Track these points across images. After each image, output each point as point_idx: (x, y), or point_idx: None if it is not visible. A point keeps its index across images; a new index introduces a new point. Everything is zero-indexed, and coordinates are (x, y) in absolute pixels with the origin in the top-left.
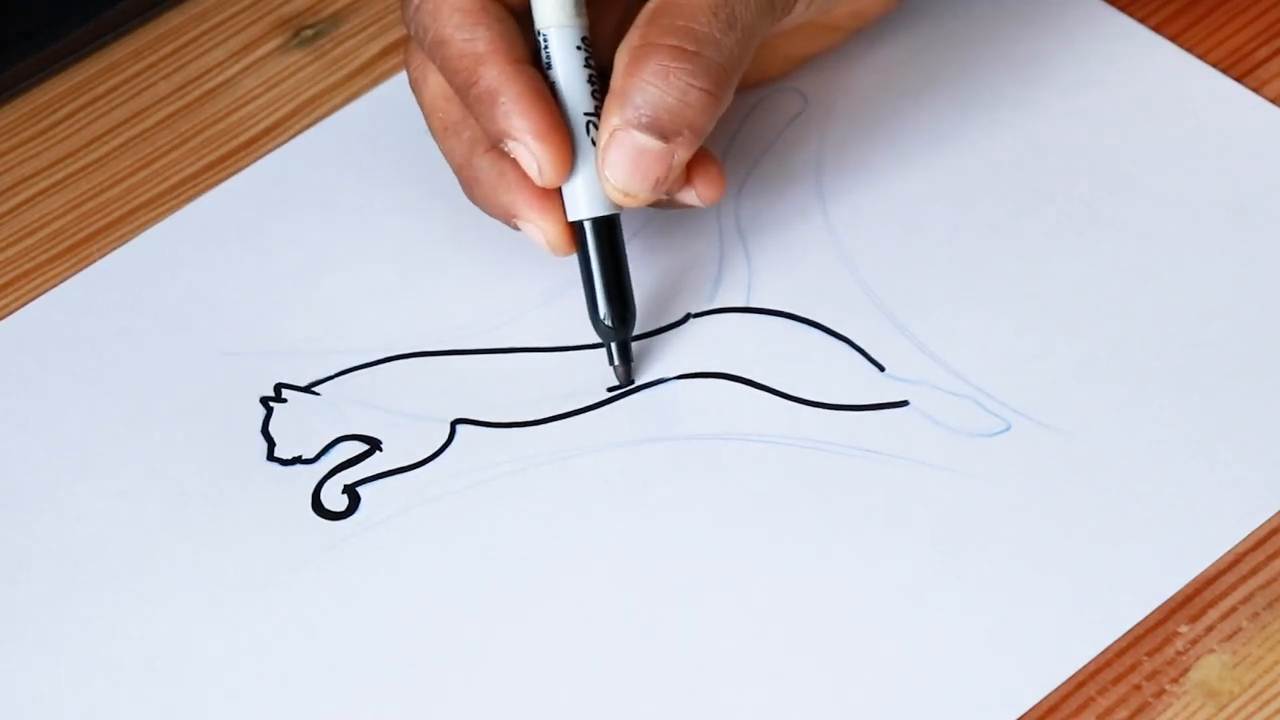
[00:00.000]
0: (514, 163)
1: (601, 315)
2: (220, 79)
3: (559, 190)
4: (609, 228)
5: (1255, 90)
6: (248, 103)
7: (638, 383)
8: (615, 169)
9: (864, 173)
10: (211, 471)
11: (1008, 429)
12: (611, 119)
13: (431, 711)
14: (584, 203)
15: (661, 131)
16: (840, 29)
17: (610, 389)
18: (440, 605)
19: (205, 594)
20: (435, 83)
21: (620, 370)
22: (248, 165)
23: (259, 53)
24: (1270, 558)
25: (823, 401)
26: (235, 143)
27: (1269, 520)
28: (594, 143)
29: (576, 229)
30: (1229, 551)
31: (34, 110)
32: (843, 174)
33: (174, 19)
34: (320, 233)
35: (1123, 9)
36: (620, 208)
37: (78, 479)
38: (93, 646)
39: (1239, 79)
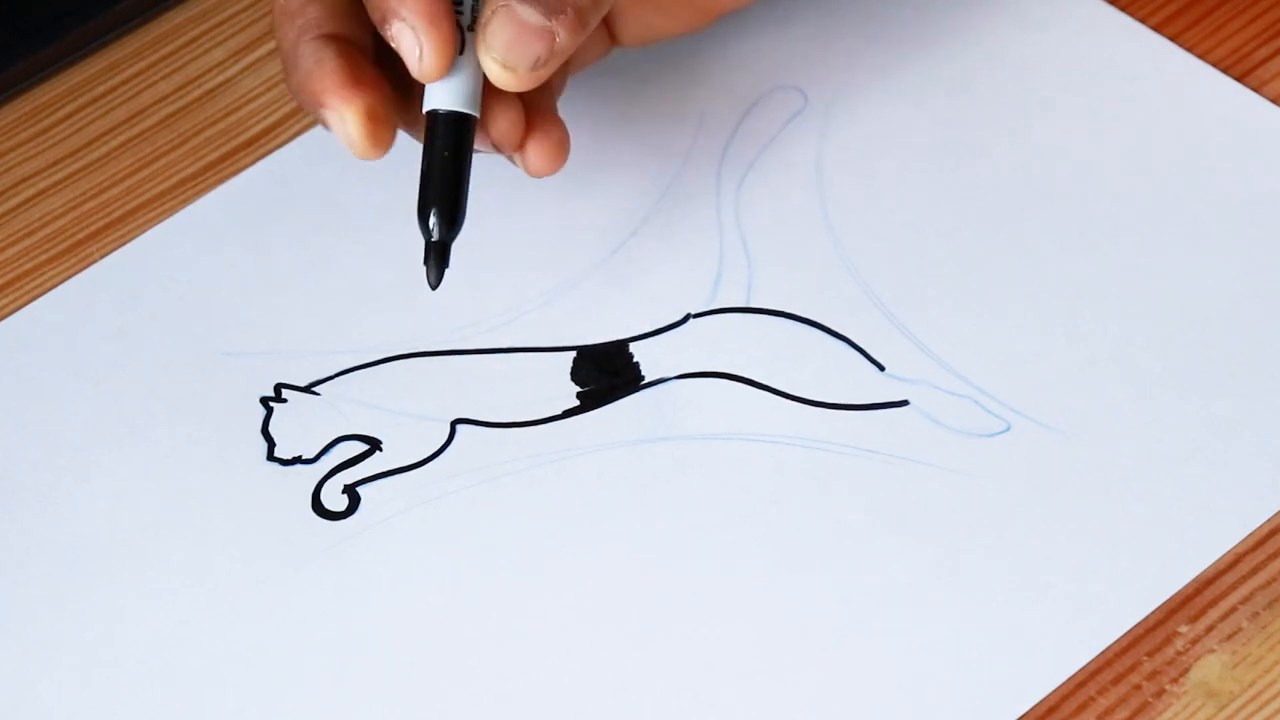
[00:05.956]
0: (333, 53)
1: (430, 213)
2: (220, 79)
3: (370, 84)
4: (462, 126)
5: (1255, 90)
6: (248, 103)
7: (634, 383)
8: (496, 39)
9: (864, 172)
10: (211, 471)
11: (1008, 429)
12: None
13: (431, 711)
14: (442, 93)
15: (545, 5)
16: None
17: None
18: (440, 605)
19: (205, 594)
20: None
21: (430, 273)
22: (248, 165)
23: (259, 53)
24: (1270, 558)
25: (823, 401)
26: (235, 143)
27: (1269, 520)
28: (468, 29)
29: (429, 120)
30: (1229, 551)
31: (34, 110)
32: (843, 173)
33: (174, 19)
34: (320, 232)
35: (1123, 9)
36: (490, 94)
37: (78, 479)
38: (92, 646)
39: (1239, 79)
